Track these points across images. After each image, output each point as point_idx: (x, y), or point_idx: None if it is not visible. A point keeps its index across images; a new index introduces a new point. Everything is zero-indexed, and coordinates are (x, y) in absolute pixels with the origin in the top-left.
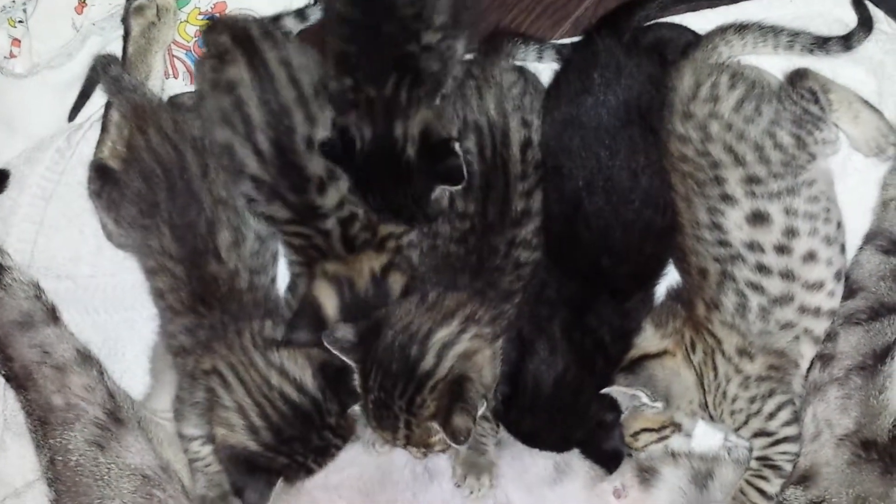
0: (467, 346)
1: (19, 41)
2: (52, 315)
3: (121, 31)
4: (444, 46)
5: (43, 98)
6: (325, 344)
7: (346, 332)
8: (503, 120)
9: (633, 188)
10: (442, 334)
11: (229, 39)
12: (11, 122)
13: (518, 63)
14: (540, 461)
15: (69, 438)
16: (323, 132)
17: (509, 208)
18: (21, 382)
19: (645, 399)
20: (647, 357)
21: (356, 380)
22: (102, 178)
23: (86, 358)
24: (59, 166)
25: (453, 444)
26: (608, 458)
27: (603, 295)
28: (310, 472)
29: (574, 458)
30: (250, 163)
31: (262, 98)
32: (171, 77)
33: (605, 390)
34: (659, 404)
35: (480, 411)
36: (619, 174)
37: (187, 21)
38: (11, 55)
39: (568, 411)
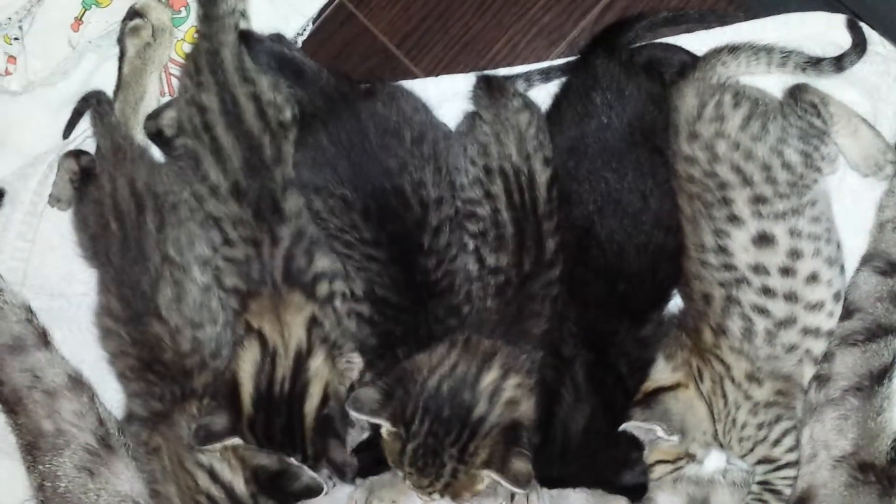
0: (512, 394)
1: (15, 58)
2: (44, 339)
3: (117, 49)
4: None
5: (38, 115)
6: (350, 412)
7: (368, 394)
8: (527, 163)
9: (643, 210)
10: (489, 379)
11: (210, 77)
12: (6, 140)
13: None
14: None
15: (58, 464)
16: (287, 149)
17: (543, 252)
18: (11, 407)
19: (661, 433)
20: (660, 390)
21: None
22: (85, 179)
23: (77, 383)
24: (51, 181)
25: (516, 489)
26: (632, 491)
27: (623, 322)
28: None
29: (570, 489)
30: (213, 173)
31: (228, 125)
32: (167, 95)
33: (623, 426)
34: (675, 438)
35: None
36: (629, 197)
37: (184, 39)
38: (7, 72)
39: (597, 454)
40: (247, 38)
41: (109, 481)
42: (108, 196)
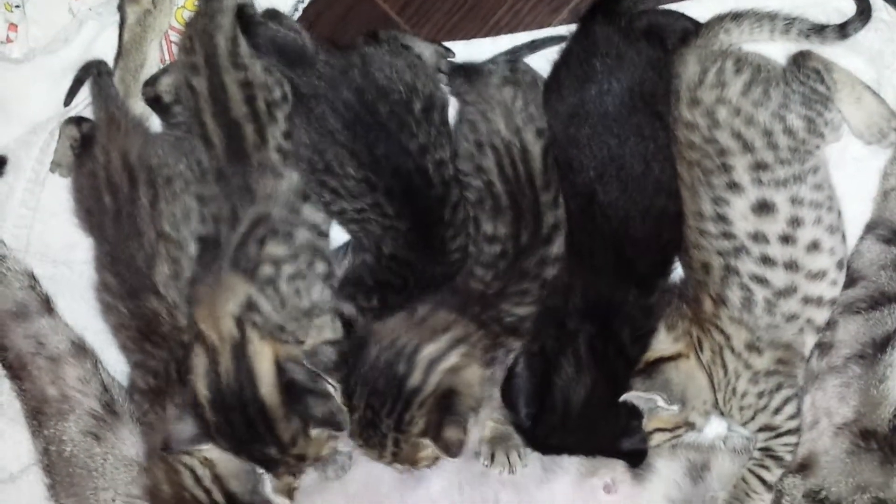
0: (455, 361)
1: (16, 26)
2: (47, 305)
3: (117, 17)
4: None
5: (39, 83)
6: (307, 365)
7: (326, 352)
8: (518, 136)
9: (645, 175)
10: (429, 350)
11: (202, 60)
12: (7, 108)
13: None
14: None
15: (63, 429)
16: (273, 138)
17: (541, 226)
18: (16, 373)
19: (661, 403)
20: (661, 360)
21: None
22: (85, 146)
23: (80, 349)
24: (52, 149)
25: (447, 457)
26: (633, 456)
27: (632, 290)
28: None
29: (563, 455)
30: (204, 157)
31: (214, 112)
32: (167, 62)
33: (624, 397)
34: (675, 407)
35: (471, 423)
36: (631, 162)
37: (184, 7)
38: (8, 40)
39: (597, 424)
40: (246, 24)
41: (115, 446)
42: (101, 169)
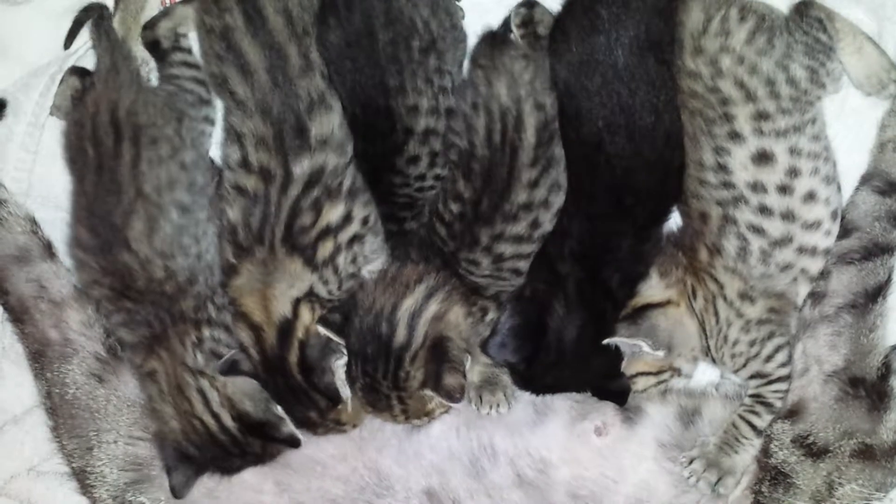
0: (436, 308)
1: None
2: (49, 250)
3: None
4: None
5: (39, 25)
6: (319, 327)
7: (334, 317)
8: (516, 106)
9: (655, 125)
10: (407, 304)
11: None
12: (7, 50)
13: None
14: (520, 404)
15: (66, 372)
16: (315, 56)
17: (507, 201)
18: (18, 316)
19: (646, 348)
20: (649, 306)
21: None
22: (83, 82)
23: (82, 294)
24: (52, 93)
25: (451, 405)
26: (617, 395)
27: (627, 238)
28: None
29: (555, 398)
30: (241, 89)
31: (253, 35)
32: (168, 4)
33: (607, 341)
34: (660, 353)
35: (467, 365)
36: (641, 112)
37: None
38: None
39: (587, 362)
40: None
41: (119, 388)
42: (88, 119)
